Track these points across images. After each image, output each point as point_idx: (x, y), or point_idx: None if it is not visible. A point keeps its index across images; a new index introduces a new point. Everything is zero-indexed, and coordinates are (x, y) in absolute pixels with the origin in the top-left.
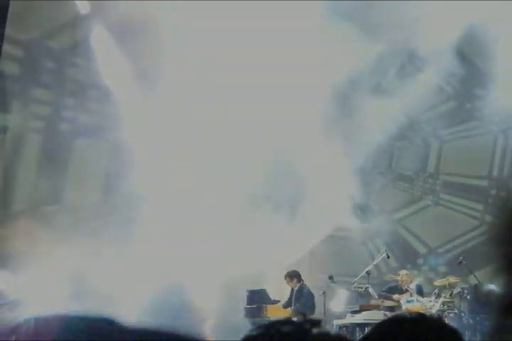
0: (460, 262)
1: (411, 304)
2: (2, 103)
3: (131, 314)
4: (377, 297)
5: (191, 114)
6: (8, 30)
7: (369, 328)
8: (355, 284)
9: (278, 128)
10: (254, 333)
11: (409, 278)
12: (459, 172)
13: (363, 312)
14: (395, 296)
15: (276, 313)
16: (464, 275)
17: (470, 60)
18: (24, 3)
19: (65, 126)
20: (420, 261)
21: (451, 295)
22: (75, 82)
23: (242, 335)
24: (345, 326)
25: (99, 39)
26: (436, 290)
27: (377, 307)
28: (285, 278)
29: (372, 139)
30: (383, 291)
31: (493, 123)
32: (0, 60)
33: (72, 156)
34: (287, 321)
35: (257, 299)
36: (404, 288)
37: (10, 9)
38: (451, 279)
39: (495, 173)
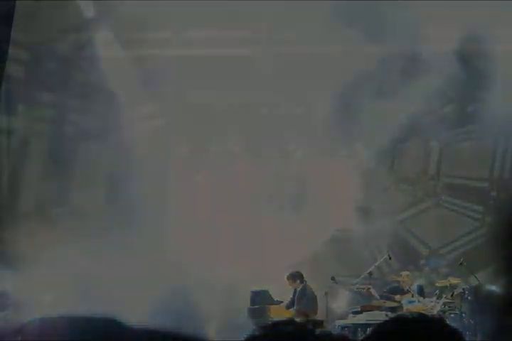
0: (461, 263)
1: (412, 305)
2: (8, 106)
3: (135, 315)
4: (378, 297)
5: (194, 115)
6: (14, 34)
7: (371, 328)
8: (357, 285)
9: (280, 129)
10: (257, 333)
11: (411, 279)
12: (460, 175)
13: (365, 313)
14: (397, 297)
15: (279, 314)
16: (465, 276)
17: (471, 63)
18: (30, 7)
19: (70, 128)
20: (422, 262)
21: (452, 295)
22: (80, 84)
23: (245, 335)
24: (347, 326)
25: (104, 42)
26: (437, 291)
27: (378, 308)
28: (288, 278)
29: (374, 141)
30: (385, 292)
31: (494, 126)
32: (6, 63)
33: (77, 158)
34: (290, 321)
35: (260, 300)
36: (405, 289)
37: (15, 13)
38: (452, 280)
39: (496, 175)
